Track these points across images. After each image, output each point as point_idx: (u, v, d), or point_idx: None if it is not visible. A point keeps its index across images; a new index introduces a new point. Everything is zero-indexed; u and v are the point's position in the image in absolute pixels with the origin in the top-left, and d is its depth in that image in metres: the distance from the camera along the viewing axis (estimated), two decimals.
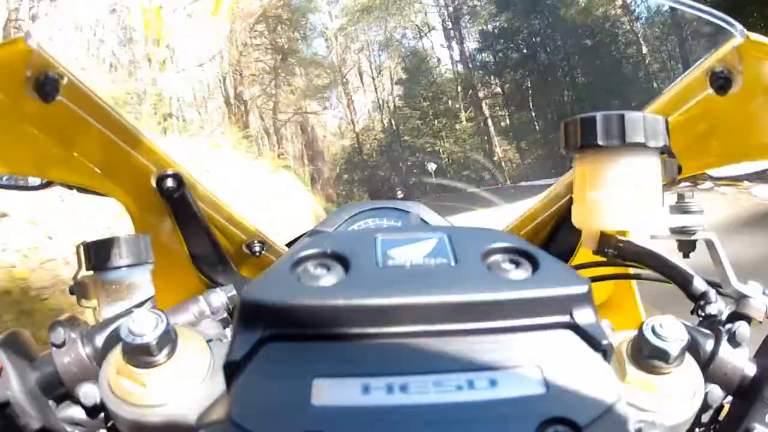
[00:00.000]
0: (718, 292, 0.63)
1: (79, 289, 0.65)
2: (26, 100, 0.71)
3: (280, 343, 0.31)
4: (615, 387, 0.29)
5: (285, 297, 0.32)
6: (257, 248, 1.00)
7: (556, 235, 0.90)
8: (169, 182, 0.87)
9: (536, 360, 0.30)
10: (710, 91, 0.73)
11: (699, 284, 0.63)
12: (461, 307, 0.31)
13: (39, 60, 0.70)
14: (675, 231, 0.70)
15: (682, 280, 0.64)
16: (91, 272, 0.65)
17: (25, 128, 0.73)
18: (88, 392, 0.50)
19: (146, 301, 0.67)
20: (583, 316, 0.32)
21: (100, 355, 0.51)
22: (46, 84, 0.71)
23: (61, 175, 0.81)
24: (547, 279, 0.33)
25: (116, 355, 0.45)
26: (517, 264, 0.34)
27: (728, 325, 0.56)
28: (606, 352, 0.31)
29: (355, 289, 0.32)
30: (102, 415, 0.51)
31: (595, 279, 0.78)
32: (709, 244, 0.67)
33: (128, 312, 0.61)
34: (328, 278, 0.33)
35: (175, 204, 0.89)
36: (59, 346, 0.53)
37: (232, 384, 0.29)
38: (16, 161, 0.75)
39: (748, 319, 0.59)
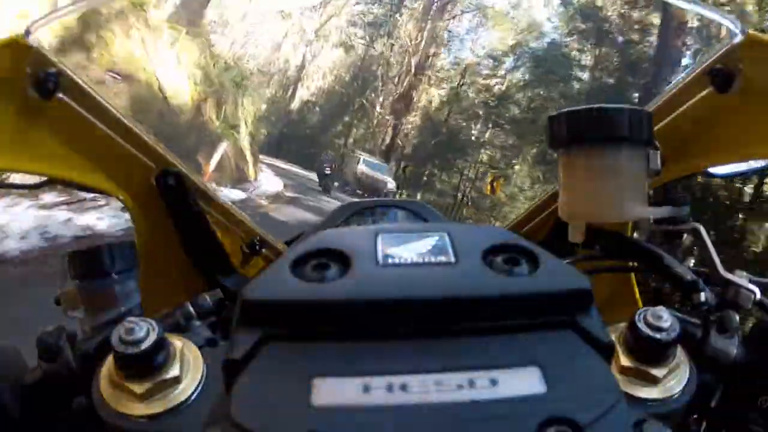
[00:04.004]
0: (705, 281, 0.64)
1: (65, 299, 0.64)
2: (26, 97, 0.71)
3: (280, 343, 0.31)
4: (616, 387, 0.29)
5: (285, 296, 0.31)
6: (257, 247, 1.00)
7: (557, 233, 0.90)
8: (169, 180, 0.87)
9: (537, 359, 0.30)
10: (711, 89, 0.73)
11: (687, 274, 0.64)
12: (462, 305, 0.31)
13: (39, 57, 0.70)
14: (661, 221, 0.70)
15: (670, 270, 0.65)
16: (77, 281, 0.64)
17: (25, 126, 0.73)
18: (81, 405, 0.49)
19: (133, 308, 0.66)
20: (585, 314, 0.32)
21: (91, 366, 0.50)
22: (46, 81, 0.70)
23: (60, 172, 0.80)
24: (548, 277, 0.33)
25: (108, 365, 0.44)
26: (518, 262, 0.34)
27: (717, 314, 0.57)
28: (607, 351, 0.31)
29: (356, 288, 0.32)
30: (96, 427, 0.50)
31: (585, 272, 0.78)
32: (696, 234, 0.68)
33: (117, 321, 0.60)
34: (328, 277, 0.33)
35: (175, 202, 0.88)
36: (48, 359, 0.52)
37: (233, 384, 0.29)
38: (15, 159, 0.74)
39: (736, 307, 0.60)
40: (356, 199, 1.16)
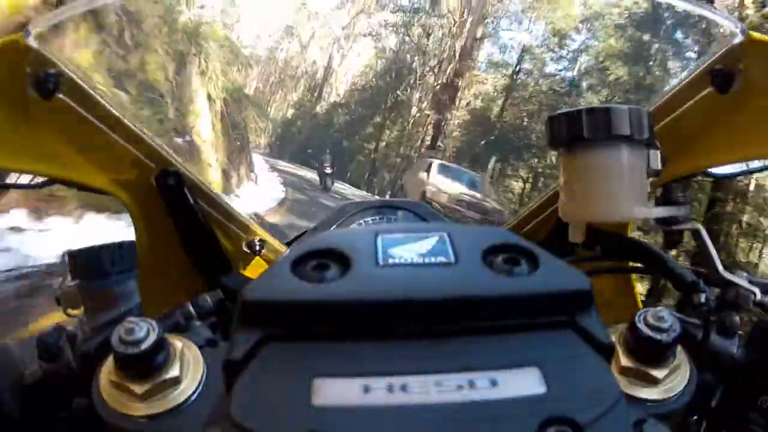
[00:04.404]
0: (706, 282, 0.64)
1: (65, 299, 0.64)
2: (26, 97, 0.71)
3: (280, 343, 0.31)
4: (616, 387, 0.29)
5: (285, 296, 0.31)
6: (257, 247, 1.00)
7: (557, 234, 0.90)
8: (169, 180, 0.87)
9: (537, 359, 0.30)
10: (711, 89, 0.73)
11: (687, 274, 0.64)
12: (462, 306, 0.31)
13: (38, 57, 0.70)
14: (661, 222, 0.70)
15: (670, 271, 0.65)
16: (77, 281, 0.64)
17: (25, 126, 0.73)
18: (81, 405, 0.49)
19: (133, 308, 0.66)
20: (584, 315, 0.32)
21: (91, 366, 0.50)
22: (46, 81, 0.70)
23: (60, 172, 0.80)
24: (548, 277, 0.33)
25: (108, 365, 0.44)
26: (518, 262, 0.34)
27: (717, 314, 0.57)
28: (607, 351, 0.31)
29: (356, 288, 0.32)
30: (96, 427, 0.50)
31: (585, 272, 0.78)
32: (696, 235, 0.67)
33: (117, 321, 0.60)
34: (328, 277, 0.33)
35: (175, 202, 0.88)
36: (48, 359, 0.52)
37: (233, 384, 0.29)
38: (15, 159, 0.74)
39: (737, 308, 0.60)
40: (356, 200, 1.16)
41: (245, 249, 1.00)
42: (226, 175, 13.55)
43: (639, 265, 0.73)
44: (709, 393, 0.56)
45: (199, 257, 0.93)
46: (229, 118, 14.23)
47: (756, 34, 0.68)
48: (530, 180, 22.89)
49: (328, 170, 22.49)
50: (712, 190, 8.57)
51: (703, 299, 0.61)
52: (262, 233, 1.01)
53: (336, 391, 0.28)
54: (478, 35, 25.28)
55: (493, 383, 0.28)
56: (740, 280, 0.62)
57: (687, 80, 0.77)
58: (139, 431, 0.41)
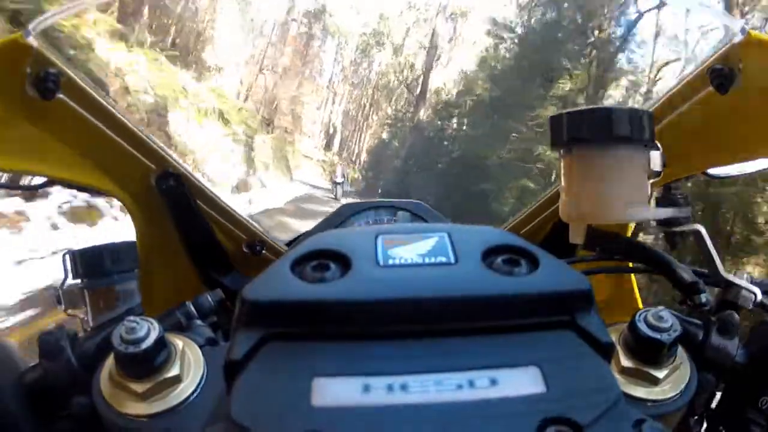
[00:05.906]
0: (706, 282, 0.64)
1: (66, 298, 0.64)
2: (26, 97, 0.70)
3: (280, 343, 0.31)
4: (616, 387, 0.29)
5: (285, 296, 0.32)
6: (257, 247, 1.00)
7: (557, 234, 0.90)
8: (170, 181, 0.87)
9: (537, 359, 0.30)
10: (711, 89, 0.73)
11: (687, 275, 0.64)
12: (461, 306, 0.31)
13: (39, 57, 0.70)
14: (662, 223, 0.70)
15: (671, 271, 0.65)
16: (78, 281, 0.64)
17: (25, 126, 0.73)
18: (82, 404, 0.49)
19: (134, 307, 0.67)
20: (584, 315, 0.32)
21: (92, 365, 0.50)
22: (46, 81, 0.70)
23: (60, 173, 0.80)
24: (548, 278, 0.33)
25: (109, 364, 0.44)
26: (518, 263, 0.34)
27: (717, 314, 0.57)
28: (607, 351, 0.32)
29: (356, 288, 0.32)
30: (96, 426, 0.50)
31: (585, 272, 0.78)
32: (697, 235, 0.67)
33: (118, 320, 0.60)
34: (328, 277, 0.33)
35: (175, 203, 0.88)
36: (49, 357, 0.52)
37: (233, 383, 0.29)
38: (15, 160, 0.74)
39: (737, 308, 0.60)
40: (356, 200, 1.17)
41: (245, 249, 1.00)
42: None
43: (639, 265, 0.73)
44: (709, 393, 0.56)
45: (199, 257, 0.93)
46: None
47: (756, 33, 0.67)
48: None
49: (339, 179, 25.53)
50: None
51: (703, 300, 0.61)
52: (261, 234, 1.02)
53: (336, 391, 0.28)
54: None
55: (493, 383, 0.28)
56: (741, 280, 0.62)
57: (687, 80, 0.77)
58: (139, 430, 0.42)
